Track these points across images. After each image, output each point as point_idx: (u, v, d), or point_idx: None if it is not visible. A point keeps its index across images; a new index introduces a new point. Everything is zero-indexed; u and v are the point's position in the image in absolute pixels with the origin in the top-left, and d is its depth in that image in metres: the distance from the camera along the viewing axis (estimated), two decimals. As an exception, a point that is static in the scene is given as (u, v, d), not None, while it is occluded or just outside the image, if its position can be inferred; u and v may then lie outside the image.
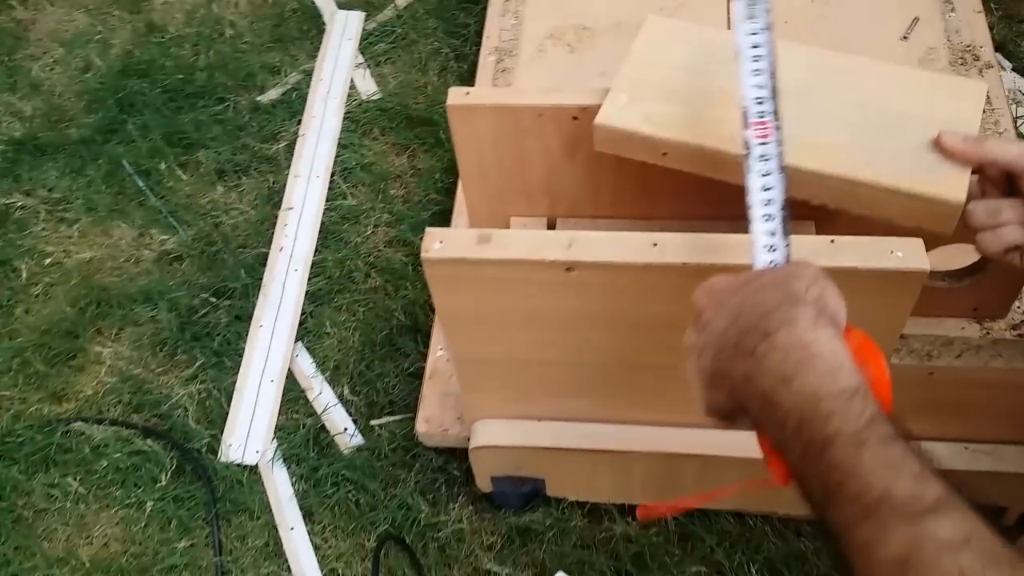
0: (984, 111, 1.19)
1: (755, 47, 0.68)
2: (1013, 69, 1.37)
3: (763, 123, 0.67)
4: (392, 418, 1.12)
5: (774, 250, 0.64)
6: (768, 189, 0.65)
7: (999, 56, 1.37)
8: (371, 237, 1.28)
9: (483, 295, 0.79)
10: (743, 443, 0.91)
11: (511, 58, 1.33)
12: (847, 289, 0.73)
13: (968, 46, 1.27)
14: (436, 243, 0.76)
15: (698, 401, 0.61)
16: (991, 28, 1.35)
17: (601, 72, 1.30)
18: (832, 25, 1.31)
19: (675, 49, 0.83)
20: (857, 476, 0.46)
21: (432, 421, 1.04)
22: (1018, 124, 1.28)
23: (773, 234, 0.64)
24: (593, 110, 0.85)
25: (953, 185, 0.71)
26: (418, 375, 1.11)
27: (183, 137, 1.40)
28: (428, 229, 0.76)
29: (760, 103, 0.67)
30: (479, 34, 1.41)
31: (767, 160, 0.66)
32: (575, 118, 0.86)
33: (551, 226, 0.98)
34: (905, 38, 1.28)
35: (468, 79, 1.42)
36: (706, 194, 0.93)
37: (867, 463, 0.47)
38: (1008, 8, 1.43)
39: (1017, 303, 1.04)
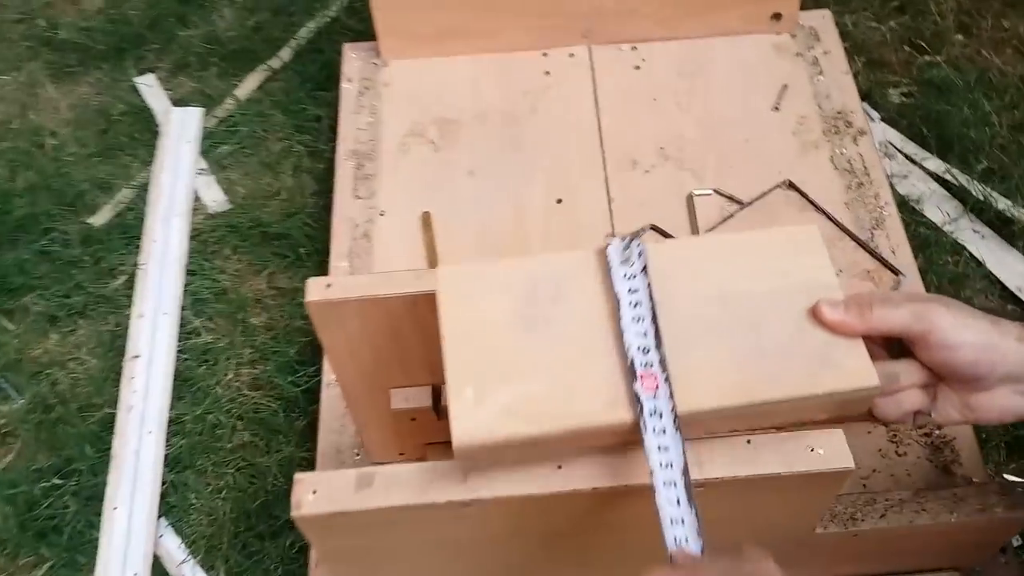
0: (863, 185, 1.17)
1: (633, 291, 0.63)
2: (882, 119, 1.35)
3: (651, 375, 0.60)
4: (280, 603, 1.00)
5: (681, 523, 0.56)
6: (664, 449, 0.58)
7: (866, 106, 1.34)
8: (233, 381, 1.15)
9: (369, 537, 0.69)
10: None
11: (371, 162, 1.23)
12: (766, 489, 0.67)
13: (839, 112, 1.24)
14: (309, 494, 0.65)
15: None
16: (856, 76, 1.32)
17: (470, 171, 1.21)
18: (702, 100, 1.26)
19: (489, 301, 0.66)
20: None
21: (323, 615, 0.94)
22: (894, 184, 1.25)
23: (677, 503, 0.56)
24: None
25: (859, 370, 0.62)
26: (303, 551, 1.00)
27: (5, 281, 1.23)
28: (297, 477, 0.65)
29: (645, 352, 0.61)
30: (333, 127, 1.30)
31: (659, 416, 0.59)
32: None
33: (436, 393, 0.89)
34: (776, 108, 1.24)
35: (325, 180, 1.30)
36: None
37: None
38: (871, 54, 1.41)
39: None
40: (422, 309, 0.77)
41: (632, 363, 0.61)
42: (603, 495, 0.65)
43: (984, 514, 0.76)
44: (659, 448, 0.58)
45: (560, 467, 0.65)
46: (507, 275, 0.67)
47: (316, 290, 0.75)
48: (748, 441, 0.66)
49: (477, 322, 0.65)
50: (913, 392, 0.67)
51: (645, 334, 0.62)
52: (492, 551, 0.73)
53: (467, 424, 0.61)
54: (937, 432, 0.98)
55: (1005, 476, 1.04)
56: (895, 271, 1.06)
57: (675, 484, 0.57)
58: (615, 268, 0.65)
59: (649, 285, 0.64)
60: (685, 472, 0.57)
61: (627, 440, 0.62)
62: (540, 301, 0.65)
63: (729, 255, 0.68)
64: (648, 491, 0.63)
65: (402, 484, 0.65)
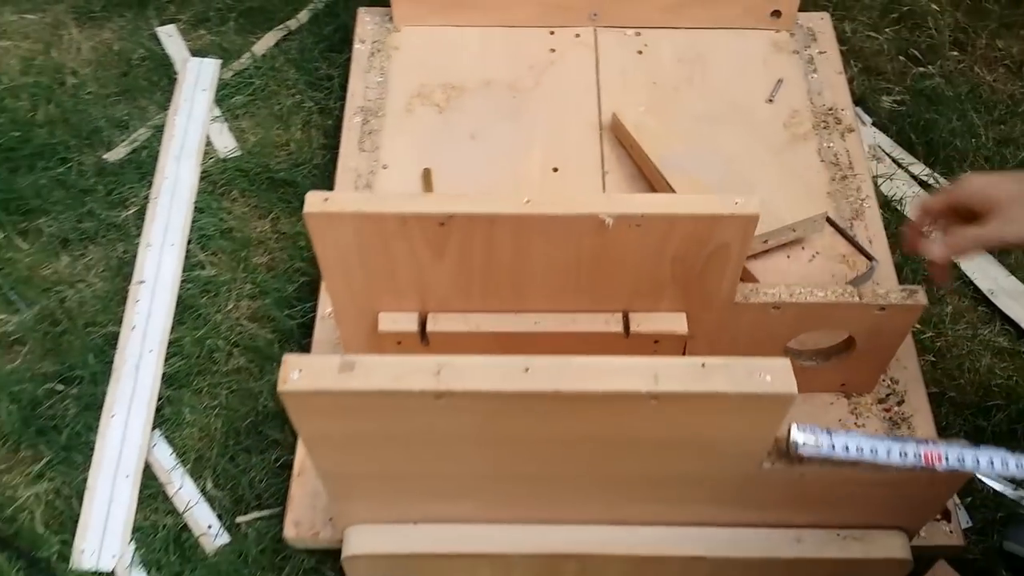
0: (847, 178, 1.23)
1: None
2: (873, 124, 1.41)
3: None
4: (260, 514, 1.05)
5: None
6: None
7: (859, 111, 1.40)
8: (233, 311, 1.21)
9: (348, 421, 0.74)
10: (624, 539, 0.91)
11: (377, 119, 1.29)
12: (719, 411, 0.72)
13: (830, 109, 1.30)
14: (295, 373, 0.71)
15: None
16: (851, 81, 1.39)
17: (471, 135, 1.27)
18: (699, 87, 1.32)
19: None
20: None
21: (301, 524, 0.99)
22: (879, 183, 1.31)
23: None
24: (460, 218, 0.82)
25: None
26: (287, 467, 1.05)
27: (21, 203, 1.29)
28: (286, 357, 0.70)
29: None
30: (343, 87, 1.36)
31: None
32: (441, 224, 0.82)
33: (422, 320, 0.94)
34: (771, 100, 1.30)
35: (333, 135, 1.36)
36: (580, 293, 0.91)
37: None
38: (867, 61, 1.47)
39: (883, 378, 1.07)
40: (412, 230, 0.83)
41: None
42: (565, 400, 0.70)
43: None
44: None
45: (527, 369, 0.70)
46: None
47: (315, 203, 0.81)
48: (703, 364, 0.71)
49: None
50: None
51: None
52: (462, 448, 0.78)
53: None
54: (896, 408, 1.04)
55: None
56: (868, 256, 1.11)
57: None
58: None
59: None
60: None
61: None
62: None
63: None
64: (609, 401, 0.70)
65: (381, 371, 0.70)
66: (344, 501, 0.89)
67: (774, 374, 0.71)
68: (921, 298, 0.91)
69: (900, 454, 0.76)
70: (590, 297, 0.92)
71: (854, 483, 0.83)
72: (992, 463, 0.74)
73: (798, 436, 0.78)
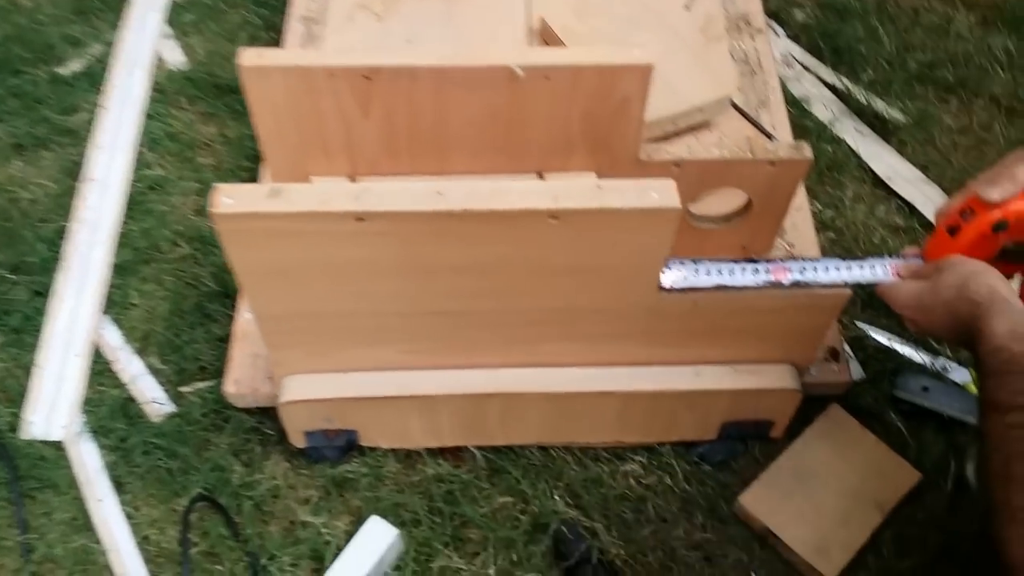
0: (755, 73, 1.31)
1: None
2: (786, 35, 1.50)
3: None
4: (203, 384, 1.12)
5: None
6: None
7: (773, 23, 1.49)
8: (179, 207, 1.27)
9: (278, 249, 0.81)
10: (541, 380, 0.99)
11: (319, 26, 1.35)
12: (613, 228, 0.80)
13: (742, 14, 1.38)
14: (226, 199, 0.78)
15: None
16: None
17: (408, 39, 1.34)
18: (622, -3, 1.39)
19: None
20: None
21: (241, 382, 1.06)
22: (788, 84, 1.40)
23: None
24: (385, 70, 0.89)
25: None
26: (228, 339, 1.12)
27: (-26, 113, 1.35)
28: (216, 185, 0.77)
29: None
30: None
31: None
32: (367, 78, 0.89)
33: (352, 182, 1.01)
34: (687, 8, 1.38)
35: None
36: (497, 152, 0.99)
37: None
38: (781, -21, 1.56)
39: (781, 242, 1.16)
40: (340, 84, 0.90)
41: None
42: (475, 221, 0.78)
43: (804, 288, 0.89)
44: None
45: (440, 192, 0.78)
46: None
47: (249, 57, 0.88)
48: (598, 186, 0.79)
49: None
50: None
51: None
52: (383, 281, 0.85)
53: None
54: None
55: (856, 323, 1.18)
56: (769, 136, 1.20)
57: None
58: None
59: None
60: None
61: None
62: None
63: None
64: (514, 221, 0.78)
65: (306, 196, 0.77)
66: (280, 349, 0.96)
67: (660, 192, 0.79)
68: (807, 152, 0.99)
69: (753, 271, 0.85)
70: (507, 157, 0.99)
71: (743, 310, 0.92)
72: (828, 270, 0.84)
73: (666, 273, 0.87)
